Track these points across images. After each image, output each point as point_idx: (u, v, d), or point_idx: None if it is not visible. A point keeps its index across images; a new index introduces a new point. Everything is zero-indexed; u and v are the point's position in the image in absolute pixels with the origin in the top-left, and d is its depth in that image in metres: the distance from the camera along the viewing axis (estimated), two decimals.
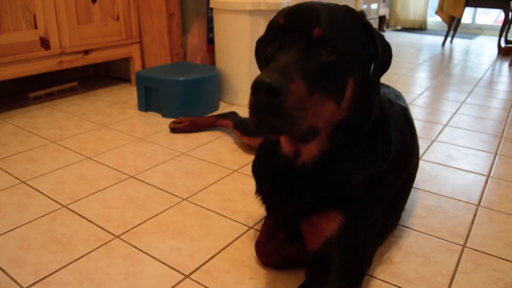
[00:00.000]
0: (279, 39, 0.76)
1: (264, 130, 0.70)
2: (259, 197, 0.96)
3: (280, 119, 0.66)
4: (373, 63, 0.81)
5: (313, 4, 0.78)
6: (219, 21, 2.05)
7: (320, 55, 0.73)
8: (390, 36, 4.78)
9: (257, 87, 0.65)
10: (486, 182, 1.37)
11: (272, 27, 0.81)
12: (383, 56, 0.81)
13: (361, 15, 0.82)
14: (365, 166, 0.84)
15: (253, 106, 0.67)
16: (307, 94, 0.69)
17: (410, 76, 2.87)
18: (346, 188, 0.83)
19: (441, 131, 1.83)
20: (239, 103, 2.10)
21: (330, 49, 0.73)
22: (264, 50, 0.80)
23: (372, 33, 0.80)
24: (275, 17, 0.82)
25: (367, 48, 0.80)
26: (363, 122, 0.83)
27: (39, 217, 1.11)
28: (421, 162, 1.48)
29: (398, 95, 1.18)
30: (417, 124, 1.79)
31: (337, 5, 0.82)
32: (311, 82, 0.70)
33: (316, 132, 0.75)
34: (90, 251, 0.98)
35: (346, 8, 0.81)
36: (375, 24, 3.41)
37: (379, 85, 0.85)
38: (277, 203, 0.89)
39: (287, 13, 0.78)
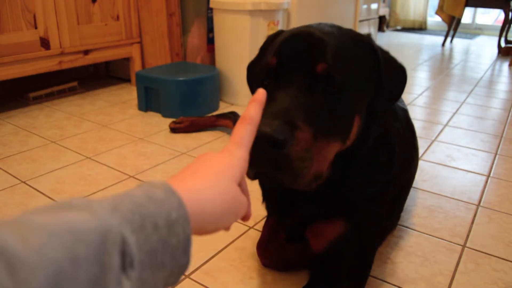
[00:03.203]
0: (276, 75, 0.67)
1: (264, 182, 0.66)
2: (265, 206, 0.95)
3: (283, 172, 0.60)
4: (379, 93, 0.73)
5: (314, 32, 0.68)
6: (219, 21, 2.05)
7: (325, 93, 0.64)
8: (390, 36, 4.78)
9: (256, 139, 0.52)
10: (486, 182, 1.37)
11: (266, 59, 0.70)
12: (390, 85, 0.73)
13: (368, 40, 0.73)
14: (369, 180, 0.81)
15: (252, 159, 0.54)
16: (312, 139, 0.62)
17: (410, 76, 2.87)
18: (350, 202, 0.81)
19: (441, 131, 1.83)
20: (239, 103, 2.10)
21: (336, 85, 0.64)
22: (257, 77, 0.71)
23: (379, 61, 0.71)
24: (270, 45, 0.72)
25: (375, 77, 0.72)
26: (364, 145, 0.77)
27: None
28: (421, 162, 1.48)
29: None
30: (417, 124, 1.79)
31: (340, 30, 0.72)
32: (316, 125, 0.62)
33: (320, 178, 0.67)
34: None
35: (351, 33, 0.73)
36: (375, 24, 3.40)
37: (384, 116, 0.77)
38: (282, 213, 0.88)
39: (283, 46, 0.68)
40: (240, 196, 0.46)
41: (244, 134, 0.49)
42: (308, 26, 0.71)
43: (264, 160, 0.59)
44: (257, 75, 0.72)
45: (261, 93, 0.52)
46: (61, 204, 0.32)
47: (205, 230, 0.42)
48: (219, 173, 0.44)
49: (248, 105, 0.52)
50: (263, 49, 0.82)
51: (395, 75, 0.75)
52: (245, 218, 0.49)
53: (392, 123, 0.87)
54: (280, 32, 0.78)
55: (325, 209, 0.81)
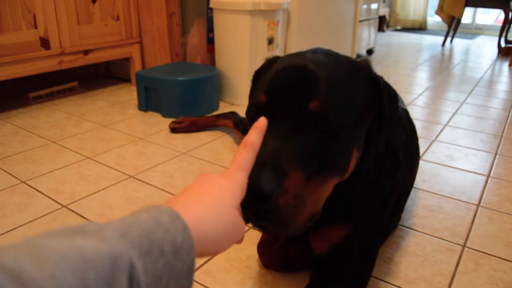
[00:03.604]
0: (266, 114, 0.61)
1: (257, 228, 0.62)
2: None
3: (273, 223, 0.58)
4: (377, 120, 0.70)
5: (308, 65, 0.63)
6: (219, 21, 2.05)
7: (318, 132, 0.61)
8: (390, 36, 4.78)
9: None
10: (486, 182, 1.37)
11: (255, 95, 0.66)
12: (391, 113, 0.70)
13: (366, 68, 0.69)
14: (372, 190, 0.80)
15: (242, 208, 0.53)
16: (304, 183, 0.59)
17: (410, 76, 2.86)
18: (353, 210, 0.81)
19: (441, 131, 1.83)
20: (239, 103, 2.10)
21: (330, 123, 0.60)
22: (248, 113, 0.67)
23: (380, 90, 0.68)
24: (260, 79, 0.68)
25: (373, 105, 0.69)
26: (364, 165, 0.74)
27: (39, 217, 1.11)
28: (421, 162, 1.48)
29: (397, 98, 1.17)
30: (417, 124, 1.79)
31: (337, 59, 0.67)
32: (309, 166, 0.60)
33: (316, 216, 0.65)
34: None
35: (348, 63, 0.68)
36: (375, 24, 3.40)
37: (384, 143, 0.73)
38: None
39: (274, 82, 0.64)
40: (239, 221, 0.47)
41: (244, 159, 0.52)
42: (303, 57, 0.67)
43: (254, 213, 0.57)
44: (248, 110, 0.69)
45: (263, 121, 0.54)
46: (73, 228, 0.34)
47: (206, 253, 0.43)
48: (221, 197, 0.46)
49: (249, 131, 0.54)
50: (258, 75, 0.79)
51: (392, 102, 0.73)
52: (240, 241, 0.50)
53: (395, 130, 0.85)
54: (276, 59, 0.74)
55: (327, 217, 0.81)
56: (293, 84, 0.62)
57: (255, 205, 0.55)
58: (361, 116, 0.66)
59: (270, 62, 0.75)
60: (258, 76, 0.79)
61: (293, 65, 0.65)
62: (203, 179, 0.48)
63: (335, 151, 0.63)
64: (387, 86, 0.71)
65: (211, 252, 0.44)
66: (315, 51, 0.70)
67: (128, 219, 0.38)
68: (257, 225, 0.61)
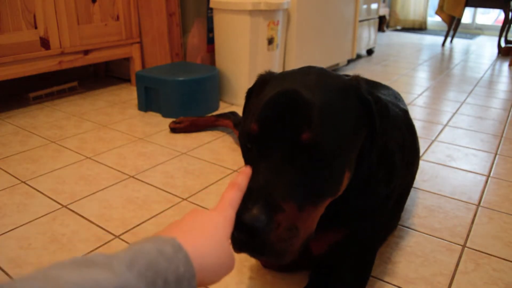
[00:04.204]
0: (258, 143, 0.63)
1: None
2: None
3: (267, 255, 0.58)
4: (369, 136, 0.69)
5: (299, 93, 0.62)
6: (219, 21, 2.05)
7: (311, 161, 0.60)
8: (390, 36, 4.78)
9: (235, 226, 0.54)
10: (486, 182, 1.37)
11: (247, 123, 0.65)
12: (382, 129, 0.70)
13: (357, 88, 0.68)
14: (368, 197, 0.80)
15: (234, 242, 0.57)
16: (297, 213, 0.59)
17: (410, 76, 2.87)
18: (350, 216, 0.81)
19: (441, 131, 1.83)
20: (239, 103, 2.10)
21: (323, 151, 0.60)
22: (241, 136, 0.68)
23: (371, 110, 0.67)
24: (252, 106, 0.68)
25: (365, 124, 0.68)
26: (357, 178, 0.73)
27: (39, 217, 1.11)
28: (421, 162, 1.48)
29: (398, 97, 1.17)
30: (417, 124, 1.79)
31: (328, 80, 0.67)
32: (302, 197, 0.60)
33: (311, 237, 0.65)
34: (90, 251, 0.98)
35: (339, 84, 0.67)
36: (375, 24, 3.40)
37: (375, 156, 0.73)
38: None
39: (265, 111, 0.63)
40: (232, 252, 0.51)
41: (233, 197, 0.56)
42: (295, 81, 0.66)
43: (246, 246, 0.58)
44: (240, 136, 0.69)
45: (247, 170, 0.61)
46: (83, 260, 0.36)
47: (204, 282, 0.46)
48: (216, 229, 0.50)
49: (236, 175, 0.58)
50: (250, 93, 0.78)
51: (384, 116, 0.72)
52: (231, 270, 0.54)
53: (391, 133, 0.84)
54: (269, 77, 0.73)
55: (323, 222, 0.81)
56: (285, 114, 0.61)
57: (247, 240, 0.56)
58: (353, 138, 0.66)
59: (263, 81, 0.74)
60: (250, 94, 0.78)
61: (285, 93, 0.64)
62: (196, 213, 0.52)
63: (328, 178, 0.63)
64: (378, 102, 0.71)
65: (209, 281, 0.47)
66: (307, 72, 0.70)
67: (133, 249, 0.40)
68: (250, 255, 0.63)
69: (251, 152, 0.65)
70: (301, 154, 0.61)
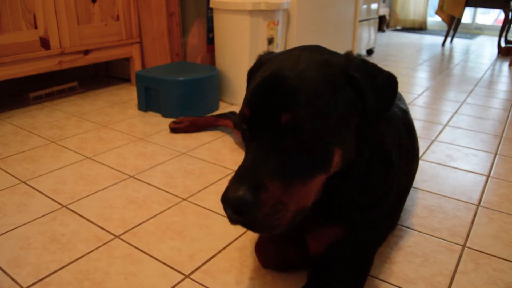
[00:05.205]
0: (249, 124, 0.68)
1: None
2: None
3: (256, 229, 0.64)
4: (364, 117, 0.70)
5: (284, 77, 0.66)
6: (219, 21, 2.05)
7: (296, 142, 0.64)
8: (390, 36, 4.78)
9: (224, 205, 0.62)
10: (486, 182, 1.37)
11: (242, 106, 0.70)
12: (378, 103, 0.70)
13: (342, 67, 0.69)
14: (365, 192, 0.81)
15: (227, 216, 0.64)
16: (283, 191, 0.63)
17: (410, 76, 2.87)
18: (347, 213, 0.81)
19: (441, 131, 1.83)
20: (239, 103, 2.10)
21: (305, 133, 0.63)
22: (239, 118, 0.72)
23: (360, 87, 0.68)
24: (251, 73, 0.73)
25: (356, 103, 0.69)
26: (357, 162, 0.75)
27: (39, 217, 1.11)
28: (421, 162, 1.48)
29: (398, 96, 1.17)
30: (417, 124, 1.79)
31: (320, 60, 0.69)
32: (288, 175, 0.63)
33: (304, 211, 0.68)
34: (90, 251, 0.98)
35: (327, 64, 0.69)
36: (375, 24, 3.40)
37: (376, 134, 0.76)
38: None
39: (254, 94, 0.67)
40: None
41: None
42: (282, 64, 0.68)
43: (237, 221, 0.63)
44: (239, 115, 0.73)
45: None
46: None
47: None
48: None
49: None
50: (251, 73, 0.81)
51: (383, 90, 0.73)
52: None
53: (387, 130, 0.85)
54: (268, 57, 0.76)
55: (322, 218, 0.81)
56: (269, 99, 0.65)
57: (236, 218, 0.62)
58: (343, 116, 0.68)
59: (260, 62, 0.77)
60: (251, 74, 0.80)
61: (270, 78, 0.67)
62: None
63: (314, 157, 0.66)
64: (376, 76, 0.72)
65: None
66: (299, 53, 0.72)
67: None
68: (245, 228, 0.66)
69: (247, 133, 0.69)
70: (286, 136, 0.64)
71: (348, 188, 0.78)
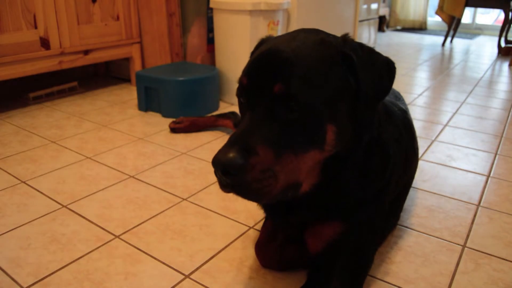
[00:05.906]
0: (246, 95, 0.70)
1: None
2: (262, 210, 0.95)
3: (245, 194, 0.65)
4: (359, 97, 0.70)
5: (279, 51, 0.68)
6: (219, 21, 2.05)
7: (288, 112, 0.65)
8: (390, 36, 4.78)
9: (214, 167, 0.63)
10: (486, 182, 1.37)
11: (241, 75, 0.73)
12: (373, 86, 0.71)
13: (338, 45, 0.71)
14: (363, 186, 0.81)
15: (218, 181, 0.65)
16: (274, 159, 0.64)
17: (410, 76, 2.87)
18: (345, 207, 0.81)
19: (441, 131, 1.83)
20: None
21: (297, 104, 0.65)
22: (238, 88, 0.73)
23: (353, 65, 0.69)
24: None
25: (351, 83, 0.70)
26: (355, 149, 0.76)
27: (39, 217, 1.11)
28: (421, 162, 1.48)
29: (398, 96, 1.17)
30: (417, 124, 1.79)
31: (315, 39, 0.71)
32: (279, 144, 0.65)
33: (296, 186, 0.70)
34: (90, 251, 0.98)
35: (318, 41, 0.71)
36: (375, 24, 3.40)
37: (373, 120, 0.76)
38: (278, 219, 0.89)
39: (251, 66, 0.71)
40: None
41: None
42: (280, 42, 0.72)
43: (225, 184, 0.64)
44: (237, 89, 0.74)
45: None
46: None
47: None
48: None
49: None
50: (252, 55, 0.82)
51: (379, 73, 0.74)
52: None
53: (386, 126, 0.85)
54: (266, 40, 0.80)
55: (320, 213, 0.81)
56: (264, 70, 0.68)
57: (225, 181, 0.63)
58: (336, 93, 0.69)
59: (261, 43, 0.81)
60: (252, 54, 0.82)
61: (266, 51, 0.70)
62: None
63: (306, 128, 0.67)
64: (373, 59, 0.73)
65: None
66: (296, 34, 0.74)
67: None
68: (235, 194, 0.66)
69: (243, 104, 0.72)
70: (279, 106, 0.66)
71: (347, 178, 0.78)
